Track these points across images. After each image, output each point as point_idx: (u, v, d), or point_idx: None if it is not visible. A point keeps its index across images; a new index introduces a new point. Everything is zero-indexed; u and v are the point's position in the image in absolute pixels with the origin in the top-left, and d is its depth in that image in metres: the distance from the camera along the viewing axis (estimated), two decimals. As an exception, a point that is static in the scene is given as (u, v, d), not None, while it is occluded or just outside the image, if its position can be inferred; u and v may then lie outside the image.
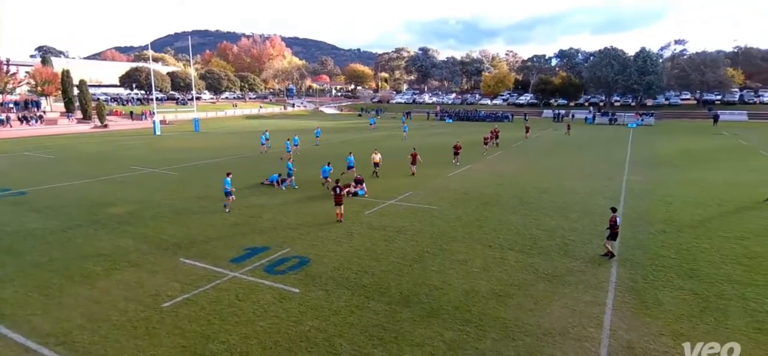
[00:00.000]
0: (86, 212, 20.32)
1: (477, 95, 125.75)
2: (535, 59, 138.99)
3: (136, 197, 23.16)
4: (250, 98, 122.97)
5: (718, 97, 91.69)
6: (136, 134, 59.83)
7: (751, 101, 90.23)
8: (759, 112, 79.10)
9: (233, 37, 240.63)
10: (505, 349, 9.64)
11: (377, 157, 28.14)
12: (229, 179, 20.41)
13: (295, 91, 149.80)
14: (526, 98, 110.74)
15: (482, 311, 11.21)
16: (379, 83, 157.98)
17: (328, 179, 24.14)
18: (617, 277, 13.11)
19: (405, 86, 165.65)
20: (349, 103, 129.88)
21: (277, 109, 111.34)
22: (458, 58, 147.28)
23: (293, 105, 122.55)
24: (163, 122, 70.43)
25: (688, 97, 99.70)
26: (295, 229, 17.58)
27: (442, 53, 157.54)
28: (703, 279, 12.99)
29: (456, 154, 32.47)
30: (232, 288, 12.48)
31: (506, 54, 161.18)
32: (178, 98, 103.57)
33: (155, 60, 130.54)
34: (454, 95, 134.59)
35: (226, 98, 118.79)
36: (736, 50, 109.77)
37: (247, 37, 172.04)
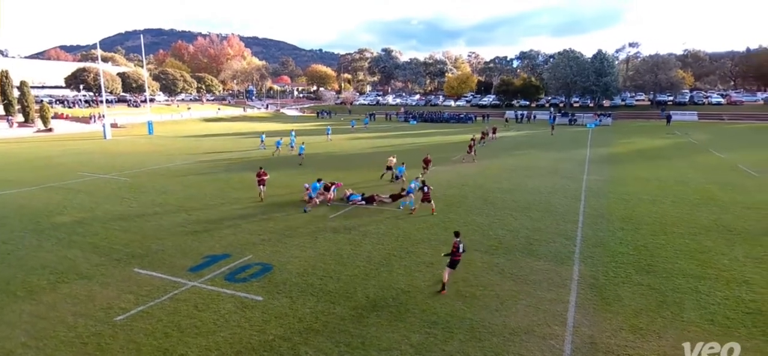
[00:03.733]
0: (29, 222, 19.27)
1: (441, 96, 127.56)
2: (496, 61, 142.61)
3: (85, 205, 22.14)
4: (207, 100, 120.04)
5: (670, 98, 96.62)
6: (84, 138, 57.22)
7: (700, 102, 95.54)
8: (708, 112, 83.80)
9: (189, 36, 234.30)
10: (472, 350, 9.79)
11: (393, 160, 28.91)
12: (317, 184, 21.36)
13: (255, 92, 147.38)
14: (488, 99, 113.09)
15: (449, 312, 11.35)
16: (342, 84, 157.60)
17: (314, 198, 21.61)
18: (579, 275, 13.56)
19: (368, 87, 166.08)
20: (312, 105, 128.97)
21: (236, 111, 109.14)
22: (421, 59, 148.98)
23: (266, 106, 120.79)
24: (113, 125, 67.74)
25: (642, 98, 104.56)
26: (257, 236, 17.26)
27: (405, 54, 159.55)
28: (660, 274, 13.62)
29: (426, 167, 29.41)
30: (190, 298, 12.12)
31: (469, 55, 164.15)
32: (130, 100, 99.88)
33: (104, 60, 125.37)
34: (417, 96, 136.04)
35: (182, 99, 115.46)
36: (685, 53, 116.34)
37: (204, 36, 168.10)
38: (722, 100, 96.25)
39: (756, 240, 16.50)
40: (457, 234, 12.98)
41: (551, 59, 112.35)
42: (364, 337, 10.26)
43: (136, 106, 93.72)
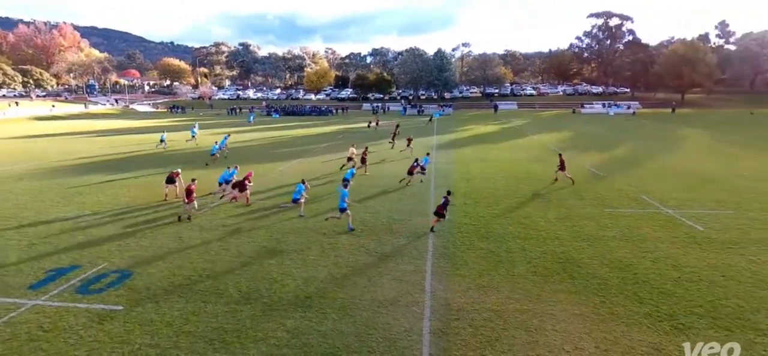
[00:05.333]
0: None
1: (301, 90, 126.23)
2: (352, 57, 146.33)
3: None
4: (38, 96, 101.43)
5: (496, 90, 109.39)
6: None
7: (519, 94, 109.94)
8: (525, 102, 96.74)
9: (7, 23, 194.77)
10: (344, 326, 10.02)
11: (354, 151, 28.06)
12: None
13: (98, 87, 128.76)
14: (346, 92, 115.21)
15: (321, 295, 11.43)
16: (199, 79, 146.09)
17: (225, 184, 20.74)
18: (433, 247, 14.70)
19: (227, 82, 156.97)
20: (166, 100, 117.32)
21: (76, 107, 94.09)
22: (280, 54, 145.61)
23: (115, 101, 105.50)
24: None
25: (475, 90, 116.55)
26: (112, 242, 15.24)
27: (264, 49, 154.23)
28: (496, 239, 15.43)
29: (363, 162, 27.09)
30: (33, 318, 10.28)
31: (326, 51, 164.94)
32: (-71, 97, 79.81)
33: None
34: (278, 90, 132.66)
35: (4, 96, 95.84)
36: (506, 53, 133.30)
37: (27, 24, 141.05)
38: (534, 92, 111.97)
39: (562, 204, 19.63)
40: (449, 193, 16.58)
41: (400, 56, 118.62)
42: (239, 331, 9.83)
43: (-61, 104, 75.20)
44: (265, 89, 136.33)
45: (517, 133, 49.30)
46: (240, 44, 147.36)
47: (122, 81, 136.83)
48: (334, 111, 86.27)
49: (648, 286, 11.85)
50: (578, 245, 14.79)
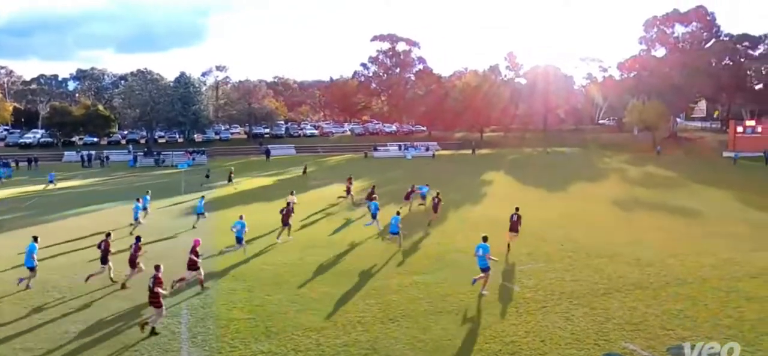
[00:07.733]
0: None
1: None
2: (43, 81, 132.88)
3: None
4: None
5: (267, 130, 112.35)
6: None
7: (296, 134, 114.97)
8: (305, 145, 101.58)
9: None
10: None
11: (294, 199, 32.40)
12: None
13: None
14: (35, 135, 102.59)
15: None
16: None
17: None
18: (190, 360, 13.72)
19: None
20: None
21: None
22: None
23: None
24: None
25: (238, 130, 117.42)
26: None
27: None
28: (280, 334, 15.32)
29: (285, 224, 27.80)
30: None
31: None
32: None
33: None
34: None
35: None
36: (276, 80, 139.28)
37: None
38: (316, 131, 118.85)
39: (365, 273, 20.79)
40: (517, 209, 25.34)
41: (123, 82, 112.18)
42: None
43: None
44: None
45: (300, 185, 51.02)
46: None
47: None
48: (12, 164, 75.14)
49: (470, 369, 13.26)
50: (387, 328, 15.75)
